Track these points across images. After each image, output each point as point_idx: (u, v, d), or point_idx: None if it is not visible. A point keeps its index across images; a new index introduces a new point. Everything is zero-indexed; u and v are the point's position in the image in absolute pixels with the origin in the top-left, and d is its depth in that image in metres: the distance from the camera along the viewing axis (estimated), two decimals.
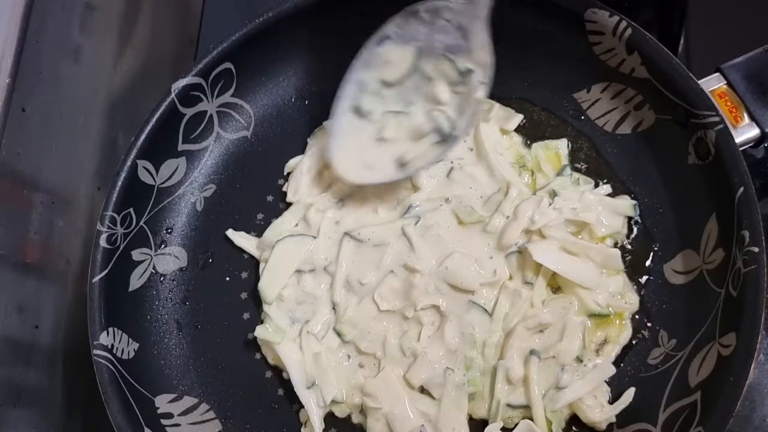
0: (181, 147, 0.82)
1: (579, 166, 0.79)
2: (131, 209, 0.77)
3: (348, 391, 0.73)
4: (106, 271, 0.74)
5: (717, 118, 0.69)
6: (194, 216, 0.83)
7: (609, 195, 0.77)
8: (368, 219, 0.78)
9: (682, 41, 0.86)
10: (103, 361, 0.71)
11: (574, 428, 0.71)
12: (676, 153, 0.74)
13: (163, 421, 0.73)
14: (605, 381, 0.70)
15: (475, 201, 0.77)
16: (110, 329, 0.73)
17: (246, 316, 0.79)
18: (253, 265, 0.80)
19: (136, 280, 0.78)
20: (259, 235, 0.80)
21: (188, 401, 0.76)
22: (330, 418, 0.74)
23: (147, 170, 0.79)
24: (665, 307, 0.72)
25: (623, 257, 0.74)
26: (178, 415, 0.75)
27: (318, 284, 0.76)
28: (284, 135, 0.85)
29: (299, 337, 0.74)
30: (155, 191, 0.80)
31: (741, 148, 0.69)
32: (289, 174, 0.83)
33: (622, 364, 0.72)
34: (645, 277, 0.74)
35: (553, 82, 0.81)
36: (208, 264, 0.81)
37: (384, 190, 0.79)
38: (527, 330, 0.71)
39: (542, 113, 0.81)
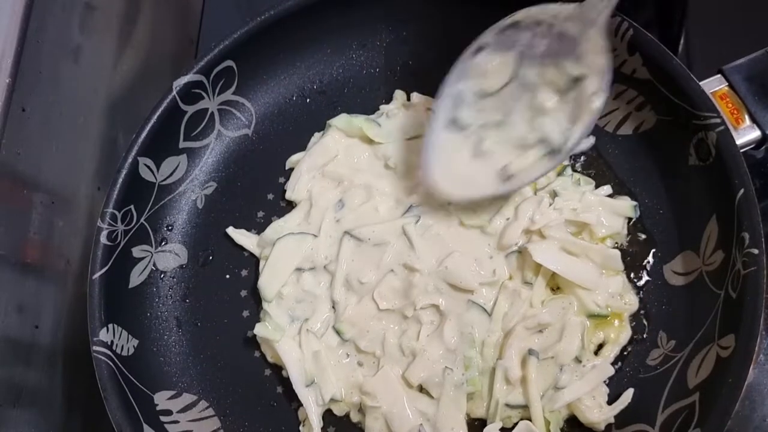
0: (182, 144, 0.82)
1: (579, 166, 0.79)
2: (132, 206, 0.77)
3: (347, 390, 0.73)
4: (106, 267, 0.74)
5: (718, 120, 0.69)
6: (195, 213, 0.83)
7: (609, 196, 0.77)
8: (369, 218, 0.78)
9: (682, 42, 0.86)
10: (103, 358, 0.71)
11: (572, 429, 0.71)
12: (677, 154, 0.73)
13: (162, 418, 0.73)
14: (604, 382, 0.70)
15: (479, 202, 0.77)
16: (110, 326, 0.73)
17: (246, 313, 0.79)
18: (253, 262, 0.80)
19: (136, 277, 0.78)
20: (260, 233, 0.80)
21: (187, 398, 0.76)
22: (328, 416, 0.74)
23: (148, 167, 0.79)
24: (665, 308, 0.72)
25: (623, 258, 0.74)
26: (177, 412, 0.75)
27: (318, 282, 0.76)
28: (285, 133, 0.85)
29: (298, 335, 0.74)
30: (156, 188, 0.80)
31: (742, 150, 0.69)
32: (290, 171, 0.83)
33: (621, 365, 0.72)
34: (644, 278, 0.74)
35: None
36: (208, 261, 0.81)
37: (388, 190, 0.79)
38: (526, 330, 0.71)
39: None
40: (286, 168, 0.83)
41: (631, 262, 0.75)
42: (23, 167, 0.73)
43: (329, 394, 0.72)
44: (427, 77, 0.83)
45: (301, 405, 0.73)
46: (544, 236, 0.74)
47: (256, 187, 0.83)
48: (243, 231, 0.81)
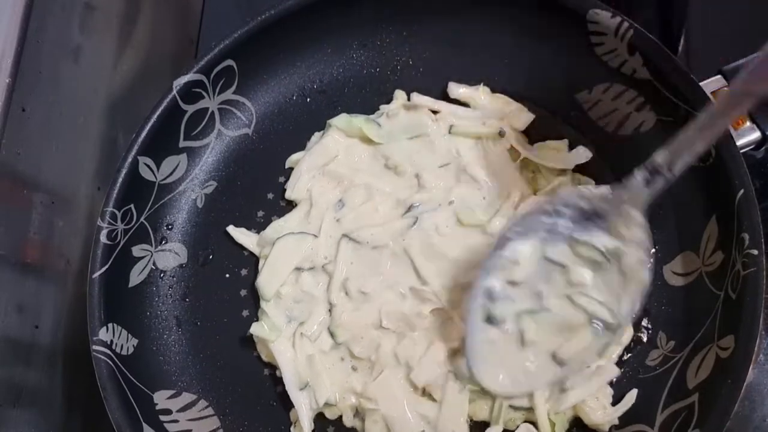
0: (182, 144, 0.82)
1: (579, 166, 0.79)
2: (132, 205, 0.77)
3: (341, 394, 0.73)
4: (106, 266, 0.74)
5: None
6: (195, 213, 0.83)
7: None
8: (369, 217, 0.78)
9: (682, 42, 0.86)
10: (102, 357, 0.71)
11: (576, 430, 0.71)
12: None
13: (162, 417, 0.73)
14: (608, 383, 0.70)
15: (479, 202, 0.77)
16: (110, 325, 0.73)
17: (245, 313, 0.79)
18: (252, 262, 0.80)
19: (136, 276, 0.78)
20: (259, 232, 0.80)
21: (187, 398, 0.76)
22: (326, 419, 0.74)
23: (148, 167, 0.79)
24: (664, 309, 0.72)
25: None
26: (177, 411, 0.75)
27: (316, 283, 0.76)
28: (285, 133, 0.85)
29: (293, 336, 0.74)
30: (156, 188, 0.80)
31: (742, 151, 0.69)
32: (290, 171, 0.83)
33: (620, 366, 0.72)
34: None
35: (555, 82, 0.80)
36: (208, 261, 0.81)
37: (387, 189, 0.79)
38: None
39: (543, 114, 0.81)
40: (286, 167, 0.83)
41: None
42: (23, 167, 0.73)
43: (323, 397, 0.72)
44: (427, 77, 0.84)
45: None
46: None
47: (256, 187, 0.83)
48: (243, 230, 0.82)
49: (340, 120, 0.82)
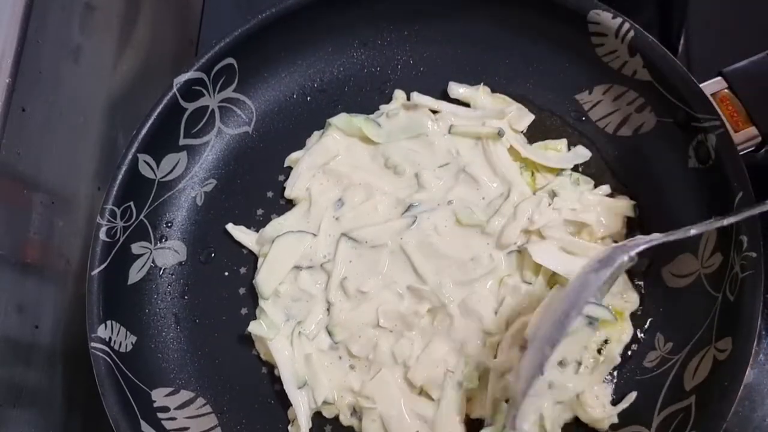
0: (182, 141, 0.82)
1: (579, 166, 0.79)
2: (131, 203, 0.78)
3: (339, 392, 0.73)
4: (105, 264, 0.74)
5: (718, 122, 0.69)
6: (194, 210, 0.83)
7: (608, 195, 0.76)
8: (368, 217, 0.78)
9: (682, 43, 0.86)
10: (101, 354, 0.71)
11: (575, 429, 0.71)
12: (677, 156, 0.73)
13: (160, 415, 0.74)
14: (609, 382, 0.70)
15: (478, 202, 0.77)
16: (108, 322, 0.73)
17: (244, 311, 0.79)
18: (252, 260, 0.80)
19: (135, 274, 0.78)
20: (259, 230, 0.80)
21: (185, 395, 0.76)
22: (324, 417, 0.74)
23: (148, 164, 0.79)
24: (662, 311, 0.72)
25: None
26: (175, 408, 0.75)
27: (315, 282, 0.76)
28: (286, 131, 0.85)
29: (291, 335, 0.75)
30: (156, 185, 0.80)
31: (741, 153, 0.69)
32: (289, 169, 0.83)
33: (619, 366, 0.71)
34: (643, 280, 0.74)
35: (555, 83, 0.80)
36: (207, 259, 0.81)
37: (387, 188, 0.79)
38: (523, 324, 0.71)
39: (544, 114, 0.81)
40: (285, 166, 0.83)
41: None
42: (23, 167, 0.73)
43: (321, 396, 0.72)
44: (427, 77, 0.84)
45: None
46: (543, 236, 0.74)
47: (256, 185, 0.83)
48: (242, 228, 0.82)
49: (340, 119, 0.82)
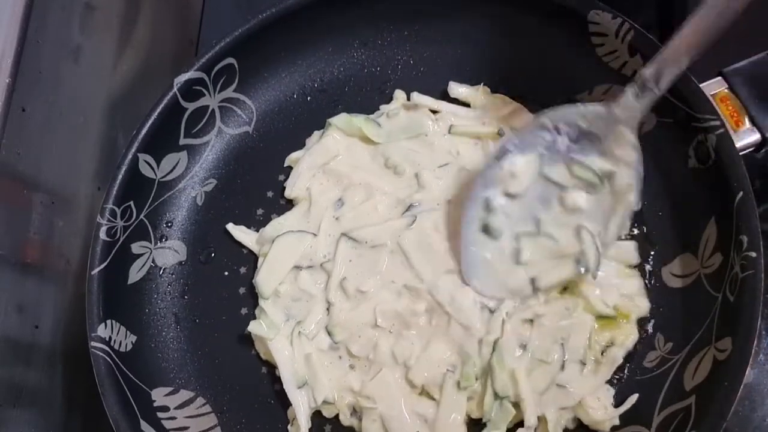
0: (182, 141, 0.82)
1: None
2: (131, 202, 0.78)
3: (339, 392, 0.73)
4: (105, 263, 0.74)
5: (718, 122, 0.69)
6: (194, 210, 0.83)
7: None
8: (368, 217, 0.78)
9: None
10: (101, 354, 0.71)
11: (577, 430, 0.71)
12: (677, 156, 0.73)
13: (159, 414, 0.74)
14: (611, 383, 0.70)
15: None
16: (108, 321, 0.73)
17: (244, 311, 0.79)
18: (252, 260, 0.81)
19: (135, 273, 0.78)
20: (259, 230, 0.80)
21: (184, 395, 0.76)
22: (323, 417, 0.74)
23: (148, 164, 0.79)
24: (662, 311, 0.72)
25: None
26: (174, 408, 0.75)
27: (314, 281, 0.76)
28: (286, 131, 0.85)
29: (291, 335, 0.75)
30: (156, 185, 0.80)
31: (741, 153, 0.69)
32: (289, 169, 0.83)
33: (621, 367, 0.71)
34: (643, 280, 0.73)
35: (555, 83, 0.80)
36: (207, 258, 0.81)
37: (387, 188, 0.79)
38: (522, 321, 0.71)
39: None
40: (285, 166, 0.83)
41: None
42: (23, 167, 0.73)
43: (321, 396, 0.72)
44: (427, 77, 0.84)
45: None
46: None
47: (256, 185, 0.84)
48: (242, 228, 0.82)
49: (340, 119, 0.82)
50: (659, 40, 0.73)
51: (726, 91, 0.71)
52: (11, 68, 0.70)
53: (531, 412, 0.69)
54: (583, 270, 0.70)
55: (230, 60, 0.81)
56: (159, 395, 0.75)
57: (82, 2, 0.82)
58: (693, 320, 0.69)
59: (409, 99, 0.83)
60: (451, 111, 0.82)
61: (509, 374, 0.69)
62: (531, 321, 0.71)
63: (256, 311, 0.77)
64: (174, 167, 0.82)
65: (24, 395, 0.72)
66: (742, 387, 0.62)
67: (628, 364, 0.71)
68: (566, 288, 0.73)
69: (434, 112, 0.82)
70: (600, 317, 0.71)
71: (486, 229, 0.73)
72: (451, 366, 0.71)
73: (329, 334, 0.74)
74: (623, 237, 0.75)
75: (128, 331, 0.76)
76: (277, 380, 0.75)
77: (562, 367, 0.70)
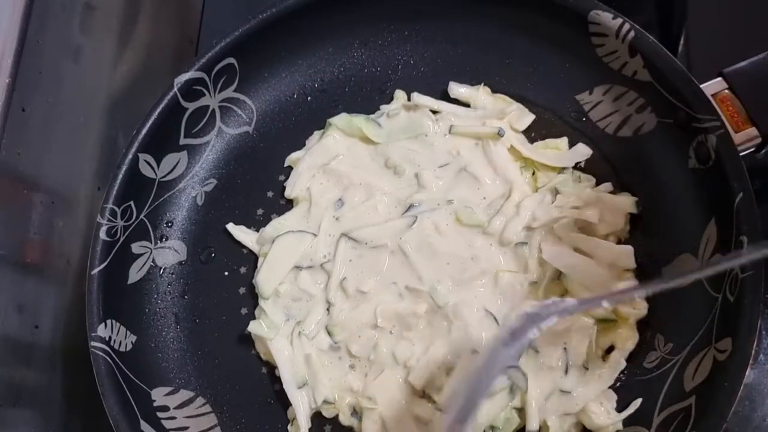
0: (182, 141, 0.82)
1: (580, 166, 0.79)
2: (131, 202, 0.78)
3: (339, 392, 0.73)
4: (105, 263, 0.75)
5: (718, 123, 0.68)
6: (194, 210, 0.83)
7: (610, 193, 0.76)
8: (368, 217, 0.78)
9: (682, 43, 0.86)
10: (101, 353, 0.71)
11: None
12: (677, 157, 0.73)
13: (159, 414, 0.74)
14: (612, 385, 0.70)
15: (479, 202, 0.77)
16: (108, 321, 0.73)
17: (244, 311, 0.79)
18: (252, 260, 0.81)
19: (135, 273, 0.78)
20: (259, 230, 0.80)
21: (184, 395, 0.76)
22: (323, 417, 0.74)
23: (148, 164, 0.79)
24: (662, 311, 0.72)
25: None
26: (174, 408, 0.75)
27: (315, 281, 0.76)
28: (286, 131, 0.85)
29: (291, 335, 0.75)
30: (156, 185, 0.80)
31: (741, 153, 0.69)
32: (290, 169, 0.83)
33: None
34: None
35: (556, 83, 0.80)
36: (207, 258, 0.81)
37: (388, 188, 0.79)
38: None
39: (544, 114, 0.81)
40: (285, 166, 0.83)
41: None
42: (23, 167, 0.73)
43: (322, 396, 0.72)
44: (427, 77, 0.84)
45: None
46: (549, 233, 0.74)
47: (256, 185, 0.83)
48: (242, 228, 0.82)
49: (340, 119, 0.82)
50: (659, 40, 0.73)
51: (726, 91, 0.71)
52: (11, 68, 0.70)
53: (534, 417, 0.69)
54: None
55: (230, 60, 0.81)
56: (159, 395, 0.75)
57: (82, 2, 0.82)
58: (693, 321, 0.69)
59: (409, 99, 0.83)
60: (451, 111, 0.82)
61: None
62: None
63: (256, 311, 0.77)
64: (174, 167, 0.82)
65: (24, 395, 0.72)
66: (742, 387, 0.62)
67: (628, 365, 0.71)
68: (566, 292, 0.73)
69: (434, 112, 0.82)
70: (600, 321, 0.71)
71: None
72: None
73: (329, 333, 0.74)
74: (622, 239, 0.75)
75: (128, 331, 0.76)
76: (277, 380, 0.75)
77: (566, 371, 0.70)
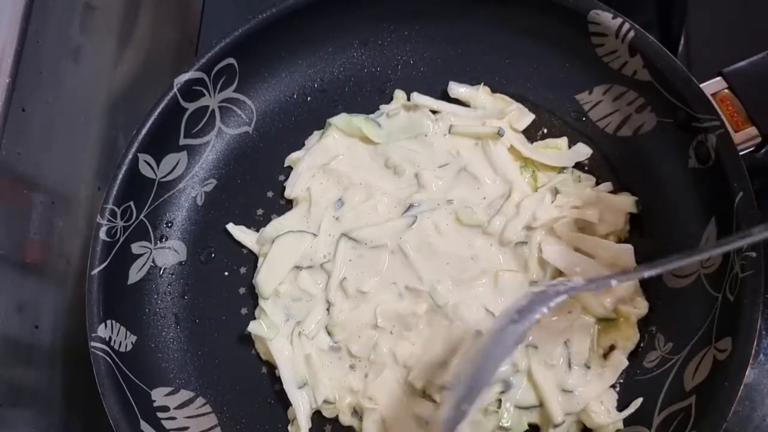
0: (182, 141, 0.82)
1: (579, 166, 0.79)
2: (131, 203, 0.78)
3: (340, 392, 0.73)
4: (105, 263, 0.75)
5: (717, 123, 0.69)
6: (194, 210, 0.83)
7: (610, 192, 0.76)
8: (368, 217, 0.78)
9: (682, 43, 0.86)
10: (101, 354, 0.71)
11: None
12: (677, 156, 0.73)
13: (159, 414, 0.74)
14: (614, 387, 0.70)
15: (479, 202, 0.77)
16: (108, 322, 0.73)
17: (244, 311, 0.79)
18: (252, 260, 0.81)
19: (135, 274, 0.78)
20: (259, 230, 0.80)
21: (185, 395, 0.76)
22: (323, 417, 0.74)
23: (148, 164, 0.79)
24: (662, 311, 0.72)
25: None
26: (174, 408, 0.75)
27: (314, 281, 0.76)
28: (286, 131, 0.85)
29: (291, 335, 0.75)
30: (156, 185, 0.80)
31: (741, 153, 0.69)
32: (289, 169, 0.83)
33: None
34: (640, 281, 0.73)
35: (556, 83, 0.81)
36: (207, 258, 0.81)
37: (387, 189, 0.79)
38: None
39: (544, 114, 0.81)
40: (285, 166, 0.83)
41: None
42: (23, 167, 0.73)
43: (322, 396, 0.72)
44: (427, 77, 0.84)
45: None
46: (552, 233, 0.74)
47: (256, 185, 0.83)
48: (242, 228, 0.82)
49: (340, 119, 0.82)
50: (659, 40, 0.73)
51: (726, 91, 0.71)
52: (11, 68, 0.70)
53: (556, 410, 0.68)
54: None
55: (230, 60, 0.81)
56: (159, 395, 0.75)
57: (82, 2, 0.82)
58: (693, 320, 0.69)
59: (409, 99, 0.83)
60: (451, 111, 0.82)
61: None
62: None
63: (256, 311, 0.77)
64: (174, 167, 0.82)
65: (24, 395, 0.72)
66: (742, 387, 0.62)
67: (628, 365, 0.71)
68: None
69: (434, 112, 0.82)
70: (600, 320, 0.71)
71: None
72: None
73: (329, 333, 0.74)
74: (622, 239, 0.75)
75: (128, 331, 0.76)
76: (277, 380, 0.75)
77: (568, 370, 0.70)
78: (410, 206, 0.77)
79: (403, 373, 0.72)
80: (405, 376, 0.72)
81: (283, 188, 0.82)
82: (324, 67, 0.86)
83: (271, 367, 0.76)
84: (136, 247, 0.79)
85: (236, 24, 0.80)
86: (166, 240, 0.81)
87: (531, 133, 0.81)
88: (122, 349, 0.74)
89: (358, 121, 0.81)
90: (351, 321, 0.74)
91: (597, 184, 0.77)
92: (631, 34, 0.74)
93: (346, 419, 0.73)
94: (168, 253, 0.81)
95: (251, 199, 0.83)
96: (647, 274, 0.62)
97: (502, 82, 0.82)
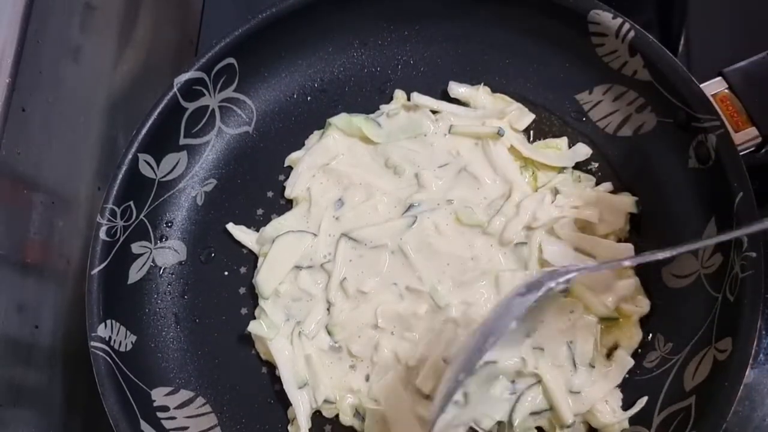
0: (182, 141, 0.82)
1: (579, 166, 0.79)
2: (131, 202, 0.78)
3: (340, 392, 0.73)
4: (105, 263, 0.75)
5: (717, 123, 0.69)
6: (194, 210, 0.83)
7: (610, 192, 0.76)
8: (368, 217, 0.78)
9: (682, 43, 0.86)
10: (101, 353, 0.71)
11: None
12: (677, 156, 0.73)
13: (159, 414, 0.74)
14: (620, 385, 0.70)
15: (479, 202, 0.77)
16: (108, 321, 0.73)
17: (244, 311, 0.79)
18: (252, 260, 0.80)
19: (135, 273, 0.78)
20: (259, 230, 0.80)
21: (184, 395, 0.76)
22: (323, 417, 0.74)
23: (148, 164, 0.79)
24: (662, 311, 0.72)
25: None
26: (174, 408, 0.75)
27: (315, 281, 0.76)
28: (286, 131, 0.85)
29: (291, 335, 0.75)
30: (156, 185, 0.80)
31: (741, 153, 0.69)
32: (289, 169, 0.83)
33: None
34: (640, 279, 0.73)
35: (555, 83, 0.80)
36: (207, 258, 0.81)
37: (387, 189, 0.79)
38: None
39: (544, 114, 0.81)
40: (285, 166, 0.83)
41: None
42: (23, 167, 0.73)
43: (322, 396, 0.72)
44: (427, 77, 0.84)
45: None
46: (552, 233, 0.74)
47: (256, 185, 0.83)
48: (242, 228, 0.82)
49: (340, 119, 0.82)
50: (659, 40, 0.73)
51: (726, 91, 0.71)
52: (11, 68, 0.70)
53: (566, 411, 0.68)
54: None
55: (230, 60, 0.81)
56: (159, 395, 0.75)
57: (82, 2, 0.82)
58: (693, 320, 0.69)
59: (409, 99, 0.83)
60: (451, 111, 0.82)
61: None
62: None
63: (256, 311, 0.77)
64: (174, 167, 0.82)
65: (24, 395, 0.72)
66: (742, 387, 0.62)
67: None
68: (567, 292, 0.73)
69: (434, 112, 0.82)
70: (603, 319, 0.71)
71: None
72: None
73: (329, 333, 0.74)
74: (622, 239, 0.75)
75: (128, 331, 0.76)
76: (277, 380, 0.75)
77: (574, 371, 0.70)
78: (410, 206, 0.77)
79: (405, 373, 0.72)
80: (407, 376, 0.72)
81: (283, 188, 0.82)
82: (324, 67, 0.86)
83: (271, 367, 0.76)
84: (136, 247, 0.79)
85: (236, 24, 0.80)
86: (166, 240, 0.81)
87: (531, 133, 0.81)
88: (122, 349, 0.74)
89: (358, 121, 0.81)
90: (351, 321, 0.74)
91: (597, 184, 0.77)
92: (631, 34, 0.73)
93: (346, 419, 0.73)
94: (168, 253, 0.81)
95: (251, 199, 0.83)
96: (661, 255, 0.61)
97: (502, 82, 0.82)
